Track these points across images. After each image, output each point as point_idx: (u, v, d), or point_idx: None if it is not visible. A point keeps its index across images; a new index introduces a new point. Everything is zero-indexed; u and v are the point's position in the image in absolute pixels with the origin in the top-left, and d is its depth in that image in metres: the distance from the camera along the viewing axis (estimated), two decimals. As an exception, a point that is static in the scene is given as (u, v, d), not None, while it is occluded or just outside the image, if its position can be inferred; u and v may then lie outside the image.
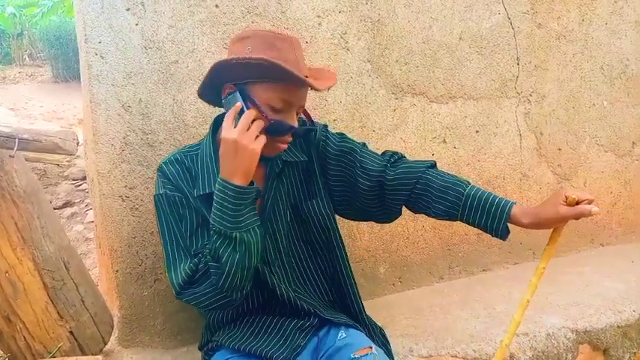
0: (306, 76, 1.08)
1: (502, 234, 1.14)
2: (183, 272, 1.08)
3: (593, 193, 2.30)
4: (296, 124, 1.12)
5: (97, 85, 1.40)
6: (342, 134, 1.31)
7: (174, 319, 1.56)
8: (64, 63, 7.69)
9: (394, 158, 1.26)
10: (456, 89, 1.92)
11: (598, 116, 2.26)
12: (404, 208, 1.27)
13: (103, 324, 1.46)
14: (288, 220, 1.24)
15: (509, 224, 1.13)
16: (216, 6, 1.51)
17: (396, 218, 1.29)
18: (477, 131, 1.99)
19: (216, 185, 1.05)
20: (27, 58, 8.99)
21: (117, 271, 1.49)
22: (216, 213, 1.04)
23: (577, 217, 1.07)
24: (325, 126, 1.31)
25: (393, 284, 1.91)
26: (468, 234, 2.03)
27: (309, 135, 1.27)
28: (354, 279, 1.33)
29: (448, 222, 1.97)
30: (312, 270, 1.29)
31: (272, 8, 1.58)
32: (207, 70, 1.08)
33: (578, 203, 1.07)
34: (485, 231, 1.16)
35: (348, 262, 1.32)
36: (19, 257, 1.25)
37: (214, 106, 1.26)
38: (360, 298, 1.34)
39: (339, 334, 1.20)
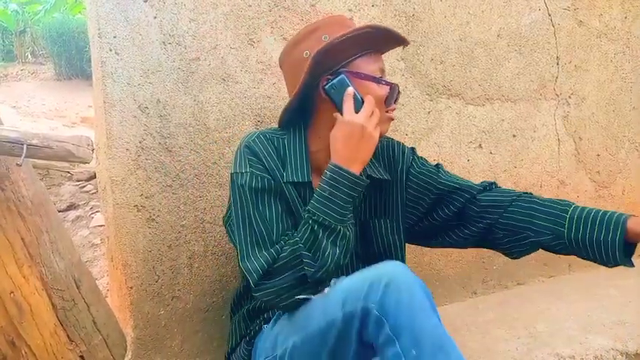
0: None
1: (619, 251, 0.97)
2: (261, 261, 0.98)
3: (631, 201, 2.17)
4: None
5: (112, 84, 1.28)
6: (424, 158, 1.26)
7: (193, 340, 1.43)
8: (67, 60, 7.56)
9: (492, 187, 1.18)
10: (493, 90, 1.79)
11: (638, 120, 2.12)
12: None
13: (116, 346, 1.33)
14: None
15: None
16: (242, -2, 1.38)
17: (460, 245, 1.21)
18: (514, 135, 1.86)
19: (327, 172, 0.99)
20: (29, 56, 8.84)
21: (131, 287, 1.36)
22: (321, 202, 0.98)
23: None
24: (413, 149, 1.25)
25: (425, 300, 1.78)
26: (502, 245, 1.90)
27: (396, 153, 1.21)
28: None
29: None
30: None
31: (301, 1, 1.45)
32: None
33: None
34: (599, 253, 1.00)
35: None
36: (25, 276, 1.12)
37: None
38: None
39: None
